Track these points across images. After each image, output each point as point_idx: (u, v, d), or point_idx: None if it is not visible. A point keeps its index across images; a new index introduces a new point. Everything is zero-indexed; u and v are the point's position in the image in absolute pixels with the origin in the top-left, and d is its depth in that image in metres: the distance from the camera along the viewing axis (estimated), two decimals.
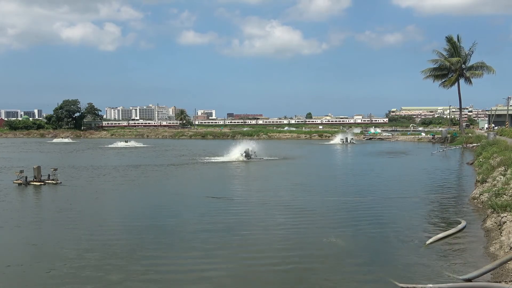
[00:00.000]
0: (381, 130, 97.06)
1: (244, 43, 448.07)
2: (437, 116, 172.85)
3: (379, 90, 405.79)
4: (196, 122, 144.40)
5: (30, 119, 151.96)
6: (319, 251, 11.70)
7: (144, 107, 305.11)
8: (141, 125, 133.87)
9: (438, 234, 12.69)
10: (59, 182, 24.16)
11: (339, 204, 18.52)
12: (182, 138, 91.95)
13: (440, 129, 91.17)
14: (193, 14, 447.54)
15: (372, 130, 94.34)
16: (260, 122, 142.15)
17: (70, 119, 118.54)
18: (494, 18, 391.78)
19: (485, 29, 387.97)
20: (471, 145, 48.20)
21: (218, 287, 9.50)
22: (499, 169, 20.51)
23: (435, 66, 63.29)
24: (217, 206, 18.15)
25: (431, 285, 8.79)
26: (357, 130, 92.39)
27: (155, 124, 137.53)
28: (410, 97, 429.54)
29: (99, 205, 19.25)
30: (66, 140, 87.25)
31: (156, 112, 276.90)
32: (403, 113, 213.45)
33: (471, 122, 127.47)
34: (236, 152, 38.84)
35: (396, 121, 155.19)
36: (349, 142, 65.14)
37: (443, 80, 63.71)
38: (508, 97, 78.82)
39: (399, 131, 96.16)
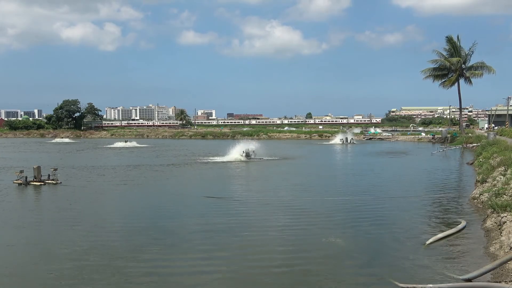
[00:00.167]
0: (381, 130, 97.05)
1: (244, 43, 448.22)
2: (437, 116, 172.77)
3: (379, 90, 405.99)
4: (197, 122, 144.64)
5: (30, 119, 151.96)
6: (319, 251, 11.69)
7: (144, 107, 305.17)
8: (142, 125, 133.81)
9: (438, 234, 12.70)
10: (59, 182, 24.17)
11: (339, 204, 18.52)
12: (182, 138, 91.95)
13: (440, 129, 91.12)
14: (193, 14, 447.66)
15: (372, 130, 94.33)
16: (254, 122, 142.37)
17: (70, 119, 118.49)
18: (494, 18, 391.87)
19: (485, 29, 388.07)
20: (471, 145, 48.20)
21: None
22: (499, 169, 20.51)
23: (435, 66, 63.32)
24: (217, 206, 18.15)
25: (431, 285, 8.79)
26: (357, 130, 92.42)
27: (155, 124, 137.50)
28: (410, 97, 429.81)
29: (99, 205, 19.25)
30: (66, 140, 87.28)
31: (156, 112, 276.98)
32: (403, 113, 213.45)
33: (471, 122, 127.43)
34: (236, 152, 38.85)
35: (396, 121, 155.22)
36: (349, 142, 65.15)
37: (443, 80, 63.70)
38: (508, 97, 78.83)
39: (399, 131, 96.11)
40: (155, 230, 14.04)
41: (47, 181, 24.11)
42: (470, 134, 60.19)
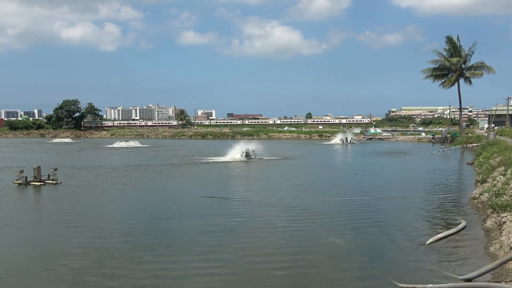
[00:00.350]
0: (381, 130, 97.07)
1: (244, 43, 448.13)
2: (437, 116, 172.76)
3: (379, 90, 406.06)
4: (197, 122, 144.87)
5: (30, 119, 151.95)
6: (319, 251, 11.70)
7: (144, 107, 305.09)
8: (142, 125, 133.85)
9: (438, 234, 12.69)
10: (59, 182, 24.17)
11: (339, 204, 18.51)
12: (182, 138, 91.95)
13: (440, 129, 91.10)
14: (193, 14, 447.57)
15: (372, 130, 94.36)
16: (246, 122, 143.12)
17: (70, 119, 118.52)
18: (494, 18, 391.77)
19: (485, 29, 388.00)
20: (471, 145, 48.19)
21: None
22: (499, 169, 20.51)
23: (435, 66, 63.33)
24: (217, 207, 18.16)
25: (431, 285, 8.79)
26: (357, 130, 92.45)
27: (155, 123, 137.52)
28: (410, 97, 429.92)
29: (99, 206, 19.24)
30: (66, 140, 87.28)
31: (156, 112, 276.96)
32: (403, 113, 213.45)
33: (471, 122, 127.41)
34: (236, 152, 38.84)
35: (396, 121, 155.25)
36: (349, 142, 65.14)
37: (443, 80, 63.69)
38: (508, 97, 78.86)
39: (399, 131, 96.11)
40: (155, 230, 14.04)
41: (47, 181, 24.12)
42: (470, 134, 60.18)
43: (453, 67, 61.81)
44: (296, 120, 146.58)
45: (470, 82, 63.07)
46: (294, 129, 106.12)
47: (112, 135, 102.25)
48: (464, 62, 62.24)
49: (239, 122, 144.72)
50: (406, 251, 11.48)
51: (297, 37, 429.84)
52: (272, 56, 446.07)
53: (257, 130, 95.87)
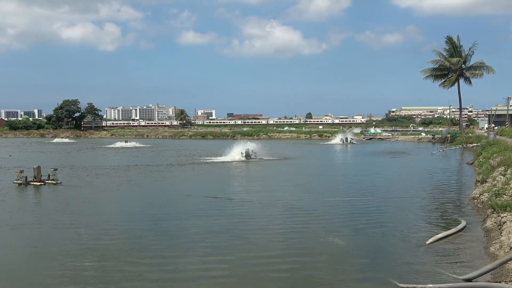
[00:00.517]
0: (381, 130, 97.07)
1: (244, 43, 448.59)
2: (437, 116, 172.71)
3: (379, 90, 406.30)
4: (197, 122, 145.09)
5: (30, 119, 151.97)
6: (319, 251, 11.69)
7: (144, 107, 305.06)
8: (142, 125, 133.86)
9: (438, 234, 12.69)
10: (59, 182, 24.17)
11: (339, 204, 18.50)
12: (182, 138, 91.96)
13: (440, 129, 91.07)
14: (193, 14, 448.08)
15: (372, 130, 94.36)
16: (237, 122, 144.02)
17: (70, 119, 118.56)
18: (494, 18, 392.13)
19: (485, 29, 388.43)
20: (471, 145, 48.19)
21: None
22: (499, 169, 20.51)
23: (435, 66, 63.34)
24: (216, 207, 18.15)
25: (431, 285, 8.79)
26: (357, 130, 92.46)
27: (155, 123, 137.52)
28: (410, 97, 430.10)
29: (99, 206, 19.24)
30: (66, 140, 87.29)
31: (156, 112, 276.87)
32: (403, 113, 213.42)
33: (471, 122, 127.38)
34: (236, 152, 38.83)
35: (396, 121, 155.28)
36: (349, 142, 65.15)
37: (443, 80, 63.71)
38: (508, 97, 78.85)
39: (399, 131, 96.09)
40: (155, 230, 14.02)
41: (47, 181, 24.11)
42: (470, 134, 60.18)
43: (453, 67, 61.81)
44: (289, 121, 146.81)
45: (470, 82, 63.15)
46: (294, 129, 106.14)
47: (112, 135, 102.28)
48: (464, 62, 62.25)
49: (232, 122, 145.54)
50: (406, 251, 11.48)
51: (297, 37, 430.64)
52: (272, 56, 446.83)
53: (257, 130, 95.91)
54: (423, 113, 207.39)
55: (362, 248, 11.87)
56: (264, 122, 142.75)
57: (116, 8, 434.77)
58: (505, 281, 8.55)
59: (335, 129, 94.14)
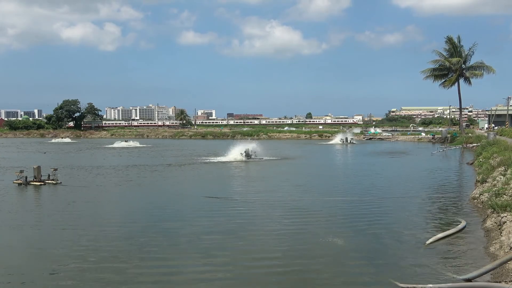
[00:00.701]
0: (381, 130, 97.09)
1: (244, 43, 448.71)
2: (437, 116, 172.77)
3: (379, 90, 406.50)
4: (197, 122, 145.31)
5: (30, 119, 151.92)
6: (319, 251, 11.69)
7: (144, 107, 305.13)
8: (142, 125, 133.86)
9: (438, 234, 12.69)
10: (59, 182, 24.17)
11: (339, 204, 18.51)
12: (182, 138, 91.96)
13: (440, 129, 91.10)
14: (193, 14, 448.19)
15: (372, 130, 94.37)
16: (229, 122, 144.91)
17: (70, 119, 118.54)
18: (494, 18, 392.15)
19: (485, 29, 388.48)
20: (471, 145, 48.19)
21: None
22: (499, 169, 20.51)
23: (435, 66, 63.35)
24: (216, 207, 18.14)
25: (431, 285, 8.79)
26: (357, 130, 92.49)
27: (155, 123, 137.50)
28: (410, 97, 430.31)
29: (99, 206, 19.23)
30: (66, 140, 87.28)
31: (156, 112, 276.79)
32: (403, 113, 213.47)
33: (471, 122, 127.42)
34: (236, 152, 38.82)
35: (396, 121, 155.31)
36: (349, 142, 65.15)
37: (443, 80, 63.72)
38: (508, 97, 78.91)
39: (399, 131, 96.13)
40: (155, 231, 14.00)
41: (47, 181, 24.11)
42: (470, 134, 60.18)
43: (453, 67, 61.81)
44: (283, 121, 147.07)
45: (470, 82, 63.17)
46: (294, 129, 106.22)
47: (112, 135, 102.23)
48: (464, 62, 62.25)
49: (224, 122, 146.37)
50: (406, 251, 11.48)
51: (297, 37, 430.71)
52: (272, 56, 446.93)
53: (257, 130, 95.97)
54: (423, 113, 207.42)
55: (362, 248, 11.87)
56: (256, 122, 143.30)
57: (116, 8, 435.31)
58: (505, 281, 8.55)
59: (335, 129, 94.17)
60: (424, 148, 56.22)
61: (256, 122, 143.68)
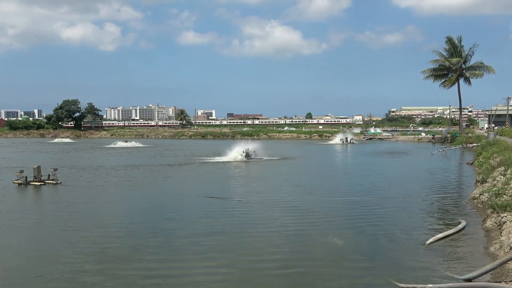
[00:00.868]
0: (381, 130, 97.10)
1: (244, 43, 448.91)
2: (437, 116, 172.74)
3: (379, 90, 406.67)
4: (197, 122, 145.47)
5: (30, 119, 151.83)
6: (319, 251, 11.69)
7: (144, 107, 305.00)
8: (142, 125, 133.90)
9: (438, 234, 12.69)
10: (59, 182, 24.16)
11: (339, 204, 18.51)
12: (182, 138, 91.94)
13: (440, 129, 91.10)
14: (193, 14, 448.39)
15: (372, 130, 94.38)
16: (224, 122, 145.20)
17: (70, 119, 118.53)
18: (494, 18, 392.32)
19: (485, 29, 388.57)
20: (471, 145, 48.19)
21: None
22: (499, 169, 20.51)
23: (435, 66, 63.36)
24: (216, 207, 18.14)
25: (431, 285, 8.79)
26: (357, 130, 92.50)
27: (155, 124, 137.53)
28: (410, 97, 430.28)
29: (99, 206, 19.22)
30: (66, 140, 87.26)
31: (156, 112, 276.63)
32: (403, 113, 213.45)
33: (471, 122, 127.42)
34: (236, 152, 38.81)
35: (396, 121, 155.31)
36: (349, 142, 65.14)
37: (443, 80, 63.74)
38: (508, 97, 78.88)
39: (399, 131, 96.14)
40: (155, 231, 14.01)
41: (47, 181, 24.11)
42: (470, 134, 60.19)
43: (453, 67, 61.82)
44: (274, 121, 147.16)
45: (470, 82, 63.19)
46: (294, 129, 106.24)
47: (112, 135, 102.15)
48: (464, 62, 62.26)
49: (218, 122, 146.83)
50: (406, 251, 11.48)
51: (297, 37, 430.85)
52: (272, 56, 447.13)
53: (257, 130, 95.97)
54: (423, 113, 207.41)
55: (362, 248, 11.87)
56: (257, 122, 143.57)
57: (116, 8, 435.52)
58: (505, 281, 8.55)
59: (335, 129, 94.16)
60: (424, 148, 56.22)
61: (256, 122, 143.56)
